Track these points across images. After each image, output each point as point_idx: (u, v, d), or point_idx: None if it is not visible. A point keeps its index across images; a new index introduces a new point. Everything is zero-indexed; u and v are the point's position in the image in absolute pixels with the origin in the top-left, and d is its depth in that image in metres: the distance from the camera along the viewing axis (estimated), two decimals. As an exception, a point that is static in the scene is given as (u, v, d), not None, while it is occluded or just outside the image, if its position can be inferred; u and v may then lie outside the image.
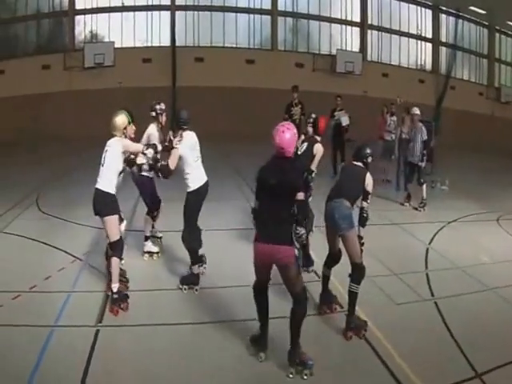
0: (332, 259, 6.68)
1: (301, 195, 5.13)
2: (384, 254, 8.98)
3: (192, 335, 6.09)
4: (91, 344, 5.69)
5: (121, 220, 7.20)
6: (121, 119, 6.73)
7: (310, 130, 8.61)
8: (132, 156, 6.98)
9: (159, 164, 7.06)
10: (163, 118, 8.23)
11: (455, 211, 12.42)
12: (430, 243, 9.95)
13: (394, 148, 14.98)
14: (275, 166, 5.26)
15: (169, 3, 24.54)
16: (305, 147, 8.27)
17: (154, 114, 8.20)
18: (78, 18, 25.08)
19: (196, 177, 7.23)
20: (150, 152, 6.86)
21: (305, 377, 5.26)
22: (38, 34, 25.59)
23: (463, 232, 10.96)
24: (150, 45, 24.99)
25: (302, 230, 5.22)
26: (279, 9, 24.88)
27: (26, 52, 24.87)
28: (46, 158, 17.47)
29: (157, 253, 8.56)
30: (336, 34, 25.77)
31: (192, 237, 7.35)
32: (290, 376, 5.28)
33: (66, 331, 6.03)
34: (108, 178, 6.63)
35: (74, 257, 8.47)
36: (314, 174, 8.19)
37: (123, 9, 24.65)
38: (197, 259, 7.39)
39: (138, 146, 6.91)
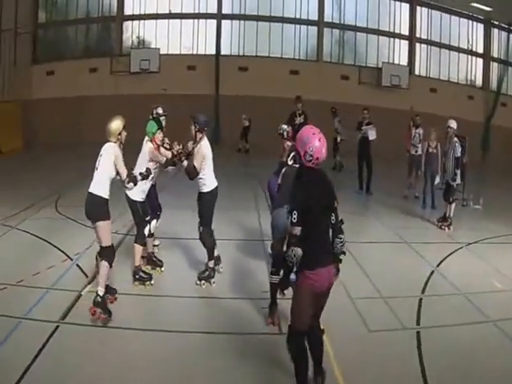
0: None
1: (336, 203, 4.93)
2: (379, 275, 8.58)
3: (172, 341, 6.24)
4: (46, 338, 6.08)
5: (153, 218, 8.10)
6: (115, 125, 6.83)
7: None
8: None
9: (182, 164, 7.55)
10: (163, 123, 8.29)
11: (480, 232, 11.71)
12: (437, 265, 9.31)
13: (420, 162, 14.09)
14: (320, 180, 4.88)
15: (215, 12, 24.93)
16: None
17: (154, 116, 8.42)
18: (126, 23, 26.00)
19: (211, 178, 7.70)
20: (130, 185, 6.91)
21: None
22: (86, 38, 26.76)
23: (480, 255, 10.16)
24: (195, 52, 25.46)
25: (342, 239, 5.01)
26: (326, 20, 24.80)
27: (75, 55, 26.00)
28: (82, 159, 17.89)
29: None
30: (383, 46, 25.44)
31: (208, 235, 7.82)
32: None
33: (30, 324, 6.44)
34: (101, 183, 6.71)
35: (67, 256, 9.02)
36: None
37: (170, 16, 25.26)
38: (212, 256, 7.87)
39: (123, 170, 6.79)
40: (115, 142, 6.81)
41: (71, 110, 23.78)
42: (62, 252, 9.09)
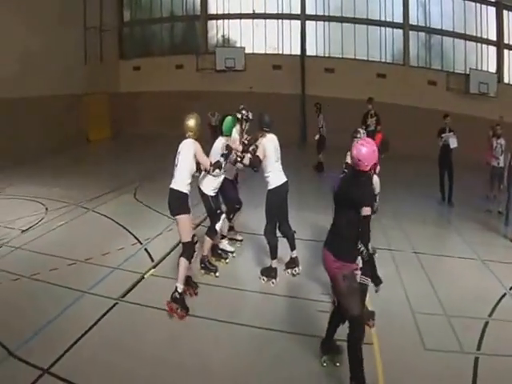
0: None
1: (366, 210, 5.05)
2: (446, 291, 8.14)
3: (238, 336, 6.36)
4: (103, 313, 6.57)
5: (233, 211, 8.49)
6: (191, 121, 7.06)
7: None
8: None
9: (248, 158, 7.72)
10: (246, 125, 8.45)
11: None
12: (511, 288, 8.50)
13: (502, 175, 13.03)
14: (347, 177, 5.44)
15: (299, 12, 24.82)
16: None
17: (239, 116, 8.49)
18: (211, 22, 26.39)
19: (275, 176, 7.80)
20: (217, 172, 7.24)
21: None
22: (172, 35, 27.34)
23: None
24: (280, 52, 25.39)
25: (361, 247, 5.14)
26: (411, 23, 23.90)
27: (161, 51, 26.71)
28: (164, 151, 18.26)
29: (231, 252, 8.95)
30: (470, 52, 24.10)
31: (270, 233, 7.91)
32: None
33: (91, 298, 6.99)
34: (182, 179, 6.93)
35: (137, 240, 9.57)
36: None
37: (254, 16, 25.42)
38: (275, 255, 7.96)
39: (206, 160, 7.08)
40: (194, 138, 7.01)
41: (156, 104, 24.54)
42: (134, 236, 9.67)
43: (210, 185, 7.87)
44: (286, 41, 25.17)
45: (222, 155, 7.29)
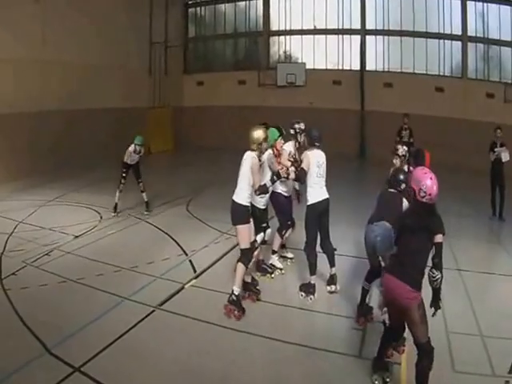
0: (372, 273, 6.82)
1: (439, 237, 5.02)
2: (486, 310, 7.73)
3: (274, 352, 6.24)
4: (140, 319, 6.69)
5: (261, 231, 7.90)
6: (256, 134, 7.03)
7: (396, 161, 8.00)
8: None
9: (293, 171, 7.57)
10: (301, 138, 8.42)
11: None
12: None
13: None
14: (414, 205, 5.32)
15: (359, 27, 24.77)
16: None
17: (292, 131, 8.53)
18: (273, 38, 26.69)
19: (315, 192, 7.60)
20: (261, 196, 7.44)
21: None
22: (235, 51, 27.86)
23: None
24: (340, 67, 25.30)
25: (437, 274, 5.07)
26: (469, 34, 23.21)
27: (224, 67, 27.24)
28: (223, 164, 18.12)
29: (280, 269, 8.84)
30: None
31: (309, 249, 7.75)
32: None
33: (130, 305, 7.16)
34: (241, 190, 7.07)
35: (183, 251, 9.71)
36: None
37: (315, 32, 25.47)
38: (313, 270, 7.80)
39: (257, 180, 7.03)
40: (255, 151, 7.04)
41: (219, 118, 24.96)
42: (180, 247, 9.80)
43: (256, 197, 7.74)
44: (346, 56, 25.09)
45: (271, 180, 7.27)
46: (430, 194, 4.97)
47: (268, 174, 7.56)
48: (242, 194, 7.05)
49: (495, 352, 6.35)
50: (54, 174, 16.19)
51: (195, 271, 8.55)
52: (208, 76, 26.75)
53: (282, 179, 7.64)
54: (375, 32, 24.61)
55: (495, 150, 13.86)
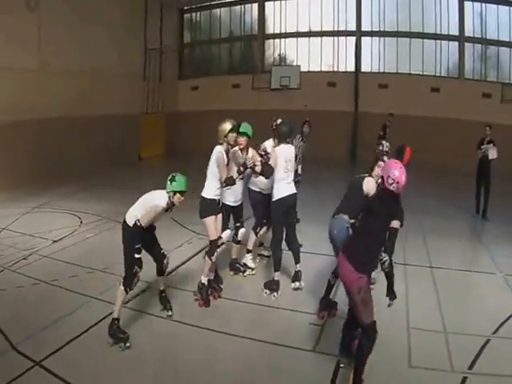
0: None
1: (395, 223, 5.61)
2: (453, 306, 8.00)
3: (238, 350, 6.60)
4: (103, 316, 7.18)
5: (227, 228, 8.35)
6: (222, 127, 7.68)
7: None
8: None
9: (260, 166, 7.87)
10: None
11: None
12: None
13: None
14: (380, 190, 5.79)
15: (354, 29, 25.24)
16: None
17: (271, 128, 9.11)
18: (268, 42, 27.37)
19: (282, 187, 7.87)
20: (227, 188, 7.83)
21: None
22: (230, 56, 28.59)
23: None
24: (335, 69, 25.85)
25: (385, 257, 5.61)
26: (467, 34, 23.68)
27: (219, 71, 27.99)
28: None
29: (252, 269, 9.20)
30: None
31: (274, 245, 8.14)
32: None
33: (96, 303, 7.78)
34: (208, 184, 7.68)
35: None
36: None
37: (310, 34, 26.07)
38: (277, 266, 8.20)
39: (222, 173, 7.54)
40: (221, 144, 7.61)
41: (212, 123, 25.29)
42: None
43: (225, 193, 8.23)
44: (341, 58, 25.62)
45: (238, 171, 7.72)
46: (397, 183, 5.30)
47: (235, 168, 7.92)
48: (209, 188, 7.58)
49: (457, 349, 6.57)
50: (43, 183, 16.77)
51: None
52: (203, 81, 27.39)
53: (248, 171, 8.04)
54: (371, 33, 25.08)
55: (482, 147, 14.14)
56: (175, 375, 5.96)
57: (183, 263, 9.55)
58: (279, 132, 8.15)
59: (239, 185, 8.28)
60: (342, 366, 6.02)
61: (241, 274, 9.01)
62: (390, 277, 5.95)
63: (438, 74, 24.42)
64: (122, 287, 6.57)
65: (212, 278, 8.04)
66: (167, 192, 6.64)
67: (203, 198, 7.64)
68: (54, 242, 10.78)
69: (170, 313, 7.37)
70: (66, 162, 18.66)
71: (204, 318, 7.34)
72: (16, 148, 16.57)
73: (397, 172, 5.33)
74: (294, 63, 26.50)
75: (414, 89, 23.64)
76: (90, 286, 8.31)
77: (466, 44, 23.83)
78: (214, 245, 7.58)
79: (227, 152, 7.76)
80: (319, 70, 26.01)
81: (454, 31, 23.97)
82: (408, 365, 6.23)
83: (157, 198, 6.67)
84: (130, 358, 6.22)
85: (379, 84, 24.50)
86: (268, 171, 7.81)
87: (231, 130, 7.63)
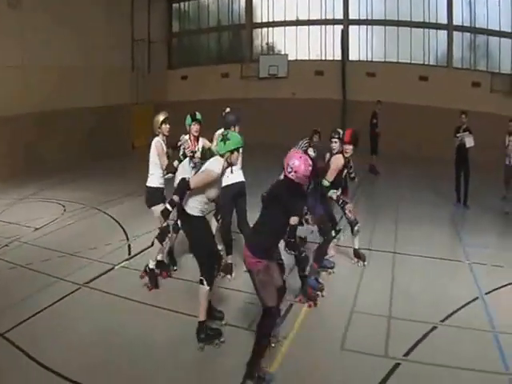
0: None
1: (294, 220, 5.76)
2: (406, 293, 8.18)
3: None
4: (65, 295, 7.92)
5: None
6: (156, 118, 8.23)
7: (335, 145, 8.79)
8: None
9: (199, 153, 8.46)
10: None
11: None
12: (487, 293, 8.20)
13: None
14: (282, 181, 6.10)
15: (342, 17, 25.65)
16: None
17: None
18: (256, 31, 27.96)
19: (230, 175, 7.87)
20: (168, 176, 8.18)
21: None
22: (218, 45, 29.16)
23: None
24: (323, 58, 26.32)
25: (291, 252, 6.10)
26: (455, 23, 23.84)
27: (208, 60, 28.57)
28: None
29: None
30: None
31: (224, 230, 8.67)
32: None
33: (62, 284, 8.37)
34: (151, 174, 8.13)
35: (126, 237, 10.94)
36: (327, 184, 8.38)
37: (298, 23, 26.58)
38: (229, 250, 8.72)
39: (163, 161, 8.03)
40: (158, 135, 8.11)
41: (202, 112, 25.82)
42: (125, 234, 10.95)
43: (179, 179, 8.79)
44: (328, 46, 26.09)
45: (178, 159, 8.11)
46: (295, 172, 5.63)
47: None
48: (153, 178, 8.05)
49: (398, 335, 6.74)
50: (31, 175, 17.42)
51: (129, 254, 9.75)
52: (192, 70, 27.98)
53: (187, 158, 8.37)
54: (358, 22, 25.49)
55: (458, 135, 14.20)
56: (119, 348, 6.49)
57: (149, 247, 9.89)
58: (226, 121, 8.57)
59: (192, 173, 8.49)
60: (272, 345, 6.28)
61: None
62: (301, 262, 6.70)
63: (426, 63, 24.69)
64: (205, 287, 6.42)
65: (160, 258, 8.52)
66: (221, 155, 6.41)
67: (149, 187, 8.12)
68: (36, 229, 11.45)
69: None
70: (57, 153, 19.34)
71: (162, 299, 7.85)
72: (3, 142, 17.19)
73: (296, 161, 5.70)
74: (282, 52, 27.05)
75: (402, 77, 23.94)
76: (60, 269, 8.94)
77: (455, 33, 24.07)
78: (164, 230, 8.04)
79: (165, 142, 8.27)
80: (307, 58, 26.53)
81: (443, 20, 24.22)
82: (340, 347, 6.44)
83: (212, 169, 6.31)
84: (84, 333, 6.81)
85: (367, 72, 24.92)
86: (208, 156, 8.08)
87: (164, 122, 8.15)
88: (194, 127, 8.83)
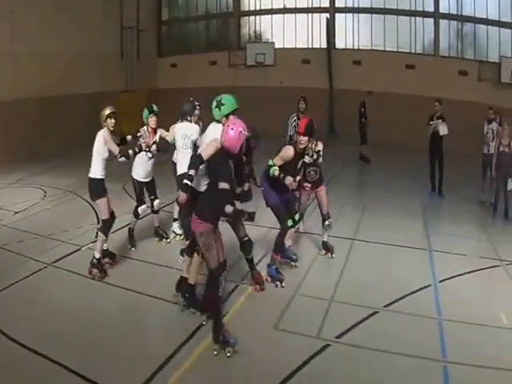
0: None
1: (222, 185, 6.04)
2: (354, 278, 8.51)
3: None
4: (32, 273, 8.64)
5: (143, 203, 9.76)
6: (101, 112, 8.38)
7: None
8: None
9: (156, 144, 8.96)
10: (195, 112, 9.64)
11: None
12: (441, 281, 8.47)
13: (491, 163, 13.00)
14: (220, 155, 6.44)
15: (328, 5, 26.17)
16: None
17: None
18: (244, 19, 28.60)
19: (183, 162, 8.09)
20: (122, 159, 8.46)
21: (228, 354, 6.03)
22: (207, 33, 29.87)
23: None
24: (310, 46, 26.88)
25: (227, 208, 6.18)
26: (442, 11, 24.12)
27: (197, 49, 29.22)
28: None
29: (180, 235, 10.23)
30: (506, 40, 23.47)
31: (183, 215, 8.87)
32: (215, 353, 6.09)
33: (31, 263, 9.08)
34: (94, 165, 8.33)
35: (98, 220, 11.18)
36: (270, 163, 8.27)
37: (285, 11, 27.18)
38: (187, 236, 8.77)
39: (115, 148, 8.30)
40: (103, 128, 8.33)
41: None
42: (97, 217, 11.55)
43: (137, 170, 9.60)
44: (315, 35, 26.61)
45: (133, 150, 8.69)
46: (225, 139, 6.23)
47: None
48: (96, 169, 8.26)
49: (335, 317, 7.08)
50: (19, 162, 17.95)
51: (96, 237, 10.28)
52: (181, 58, 28.64)
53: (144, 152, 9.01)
54: (345, 10, 26.02)
55: (431, 122, 14.55)
56: (76, 319, 7.10)
57: (116, 230, 10.49)
58: (181, 111, 9.13)
59: (150, 163, 9.56)
60: (204, 323, 6.81)
61: (164, 240, 10.16)
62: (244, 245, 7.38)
63: (413, 51, 25.03)
64: None
65: (106, 248, 8.95)
66: (218, 121, 7.06)
67: (91, 178, 8.28)
68: (16, 213, 12.19)
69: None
70: (48, 140, 20.09)
71: (122, 280, 8.37)
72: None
73: (230, 130, 6.24)
74: (269, 40, 27.64)
75: (389, 65, 24.33)
76: (31, 250, 9.64)
77: (442, 21, 24.40)
78: (106, 223, 8.42)
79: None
80: (294, 46, 27.10)
81: (430, 8, 24.55)
82: (274, 327, 6.78)
83: (216, 137, 6.62)
84: (46, 306, 7.49)
85: (353, 61, 25.40)
86: (163, 146, 8.93)
87: (109, 116, 8.28)
88: (152, 119, 9.56)
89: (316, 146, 8.90)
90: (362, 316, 7.09)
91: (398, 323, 7.01)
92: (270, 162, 8.11)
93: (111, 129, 8.34)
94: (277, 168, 8.01)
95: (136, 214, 9.79)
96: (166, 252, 9.97)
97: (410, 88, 23.25)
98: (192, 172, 6.59)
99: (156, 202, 9.92)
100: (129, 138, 9.14)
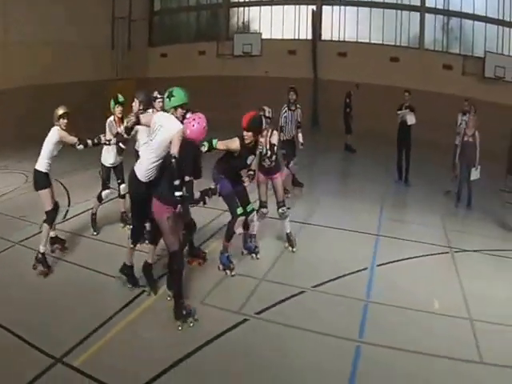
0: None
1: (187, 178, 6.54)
2: (291, 261, 9.08)
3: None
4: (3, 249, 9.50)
5: (107, 188, 10.40)
6: (55, 112, 8.54)
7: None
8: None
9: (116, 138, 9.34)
10: (157, 104, 9.67)
11: (493, 240, 10.67)
12: (379, 265, 8.93)
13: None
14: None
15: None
16: None
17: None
18: (232, 10, 29.49)
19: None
20: (80, 147, 8.68)
21: (191, 324, 6.53)
22: (197, 23, 30.77)
23: (467, 266, 9.15)
24: (296, 37, 27.74)
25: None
26: (428, 5, 24.68)
27: (187, 39, 30.14)
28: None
29: None
30: (492, 35, 24.06)
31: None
32: (180, 328, 6.50)
33: (2, 242, 9.87)
34: (41, 158, 8.58)
35: (69, 204, 12.42)
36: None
37: (273, 2, 28.05)
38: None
39: (72, 139, 8.57)
40: (57, 126, 8.51)
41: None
42: (68, 200, 12.62)
43: (104, 156, 10.34)
44: (302, 26, 27.41)
45: (97, 138, 9.02)
46: (190, 132, 6.70)
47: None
48: (42, 163, 8.47)
49: (261, 295, 7.56)
50: (15, 148, 18.80)
51: (64, 217, 11.26)
52: (171, 48, 29.51)
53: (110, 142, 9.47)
54: (332, 2, 26.75)
55: (398, 112, 15.12)
56: (38, 289, 7.88)
57: (82, 212, 11.47)
58: (141, 99, 9.76)
59: (115, 150, 10.15)
60: (168, 297, 7.30)
61: (128, 226, 10.08)
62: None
63: (398, 44, 25.72)
64: None
65: (53, 235, 9.39)
66: (166, 110, 7.13)
67: (37, 170, 8.47)
68: (-5, 196, 12.97)
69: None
70: (41, 127, 20.51)
71: (73, 255, 9.19)
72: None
73: (195, 124, 6.73)
74: (257, 31, 28.55)
75: (374, 58, 25.02)
76: (3, 229, 10.45)
77: (429, 15, 25.04)
78: (50, 214, 8.59)
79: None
80: (281, 37, 27.96)
81: (416, 1, 25.21)
82: (200, 302, 7.29)
83: (174, 127, 6.81)
84: (8, 280, 8.25)
85: (338, 52, 26.16)
86: (120, 138, 8.97)
87: (62, 116, 8.46)
88: (118, 109, 10.28)
89: (271, 137, 9.04)
90: (287, 295, 7.54)
91: (322, 303, 7.43)
92: (214, 142, 7.98)
93: (63, 128, 8.50)
94: (207, 145, 7.90)
95: (100, 199, 10.32)
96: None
97: (394, 80, 23.59)
98: (178, 182, 6.53)
99: (122, 186, 10.27)
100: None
